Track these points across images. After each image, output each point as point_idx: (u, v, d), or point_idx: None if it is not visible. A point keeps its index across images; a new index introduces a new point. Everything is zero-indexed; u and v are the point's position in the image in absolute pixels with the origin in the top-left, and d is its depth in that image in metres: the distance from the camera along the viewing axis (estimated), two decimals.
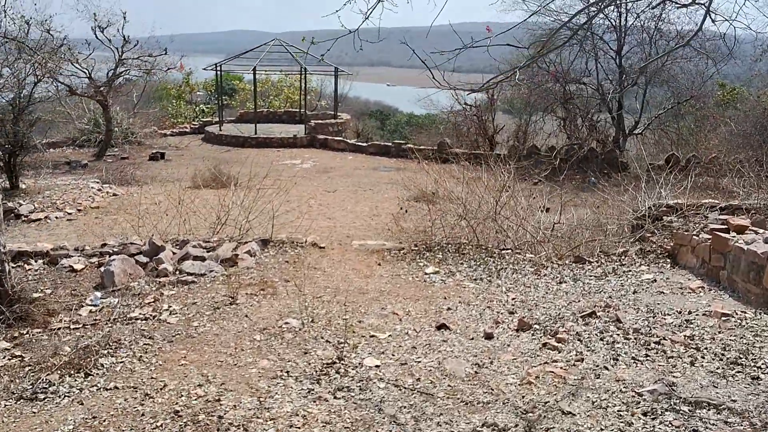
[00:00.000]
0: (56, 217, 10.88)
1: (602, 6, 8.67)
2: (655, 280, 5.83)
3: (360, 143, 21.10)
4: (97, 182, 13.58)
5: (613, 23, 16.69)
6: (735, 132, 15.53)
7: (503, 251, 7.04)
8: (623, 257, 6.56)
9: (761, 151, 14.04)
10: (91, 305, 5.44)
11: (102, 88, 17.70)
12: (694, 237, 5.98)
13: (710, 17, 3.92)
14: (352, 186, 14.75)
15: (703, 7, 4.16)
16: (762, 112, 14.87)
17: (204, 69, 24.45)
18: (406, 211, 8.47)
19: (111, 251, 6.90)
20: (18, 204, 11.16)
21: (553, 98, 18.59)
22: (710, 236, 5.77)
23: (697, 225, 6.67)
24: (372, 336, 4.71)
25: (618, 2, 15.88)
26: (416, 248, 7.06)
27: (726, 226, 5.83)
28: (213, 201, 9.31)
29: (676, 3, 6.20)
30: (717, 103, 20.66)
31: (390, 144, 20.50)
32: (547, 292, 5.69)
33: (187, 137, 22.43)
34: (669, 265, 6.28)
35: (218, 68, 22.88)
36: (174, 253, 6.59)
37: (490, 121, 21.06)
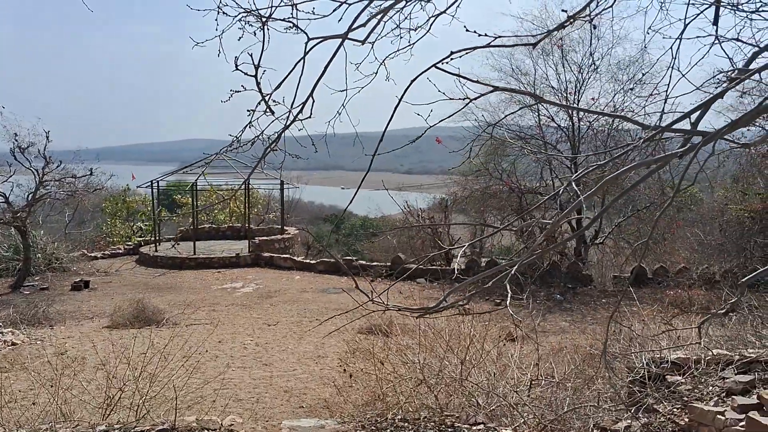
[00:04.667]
0: None
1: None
2: None
3: (308, 261, 19.70)
4: None
5: (567, 133, 16.13)
6: (704, 242, 14.73)
7: (474, 427, 5.56)
8: None
9: (737, 262, 13.18)
10: None
11: (19, 213, 16.07)
12: (719, 416, 4.64)
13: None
14: (297, 316, 13.18)
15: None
16: (737, 221, 14.11)
17: (138, 186, 23.09)
18: (351, 376, 6.95)
19: None
20: None
21: (510, 209, 17.74)
22: (741, 418, 4.45)
23: (712, 388, 5.37)
24: None
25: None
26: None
27: (758, 401, 4.54)
28: (121, 351, 7.62)
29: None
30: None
31: (340, 260, 19.12)
32: None
33: (120, 259, 20.68)
34: None
35: (154, 184, 21.52)
36: None
37: (445, 233, 20.08)
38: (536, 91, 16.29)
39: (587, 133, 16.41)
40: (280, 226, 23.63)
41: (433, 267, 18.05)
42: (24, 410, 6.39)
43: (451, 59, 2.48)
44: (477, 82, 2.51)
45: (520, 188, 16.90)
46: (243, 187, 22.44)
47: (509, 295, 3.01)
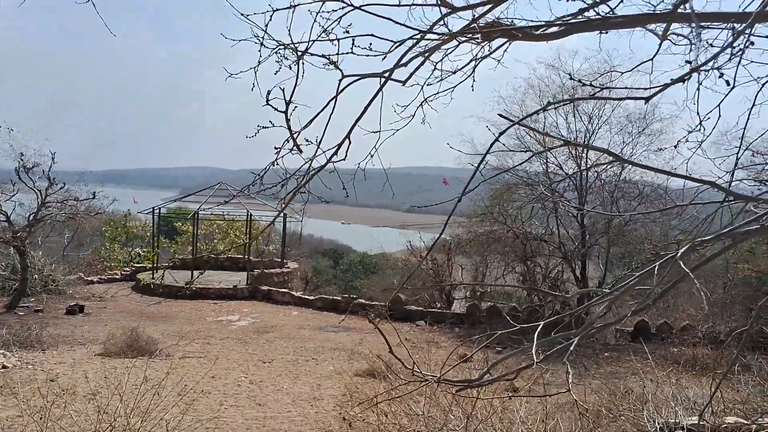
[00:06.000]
0: None
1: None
2: None
3: (306, 296, 19.43)
4: None
5: (574, 182, 16.03)
6: (711, 300, 14.51)
7: None
8: None
9: (743, 322, 12.93)
10: None
11: (20, 233, 15.90)
12: None
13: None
14: (293, 354, 12.88)
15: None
16: (743, 281, 13.95)
17: (139, 212, 22.98)
18: (350, 425, 6.69)
19: None
20: None
21: (514, 255, 17.56)
22: None
23: None
24: None
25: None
26: None
27: None
28: (114, 382, 7.35)
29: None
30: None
31: (339, 298, 18.87)
32: None
33: (116, 285, 20.42)
34: None
35: (155, 211, 21.38)
36: None
37: (447, 276, 19.85)
38: (545, 138, 16.25)
39: (594, 183, 16.32)
40: (280, 259, 23.41)
41: (434, 309, 17.82)
42: None
43: (546, 110, 2.36)
44: (547, 134, 2.38)
45: (525, 234, 16.74)
46: (248, 221, 22.32)
47: (570, 374, 2.79)
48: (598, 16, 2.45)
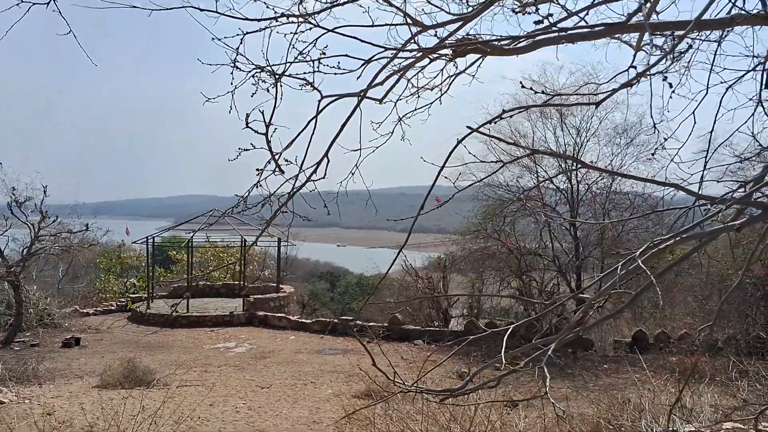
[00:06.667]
0: None
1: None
2: None
3: (304, 320, 19.38)
4: None
5: (565, 195, 16.15)
6: (707, 308, 14.54)
7: None
8: None
9: (740, 329, 12.98)
10: None
11: (14, 268, 15.85)
12: None
13: None
14: (291, 378, 12.83)
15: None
16: (738, 287, 13.99)
17: (133, 242, 22.97)
18: None
19: None
20: None
21: (509, 270, 17.59)
22: None
23: None
24: None
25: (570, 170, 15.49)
26: None
27: None
28: (111, 413, 7.30)
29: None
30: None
31: (336, 320, 18.82)
32: None
33: (112, 316, 20.33)
34: None
35: (149, 240, 21.37)
36: None
37: (443, 293, 19.85)
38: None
39: (585, 195, 16.43)
40: (275, 284, 23.37)
41: (431, 328, 17.78)
42: None
43: (502, 118, 2.42)
44: (515, 144, 2.44)
45: (519, 249, 16.79)
46: (242, 246, 22.30)
47: (548, 378, 2.82)
48: (560, 29, 2.52)
